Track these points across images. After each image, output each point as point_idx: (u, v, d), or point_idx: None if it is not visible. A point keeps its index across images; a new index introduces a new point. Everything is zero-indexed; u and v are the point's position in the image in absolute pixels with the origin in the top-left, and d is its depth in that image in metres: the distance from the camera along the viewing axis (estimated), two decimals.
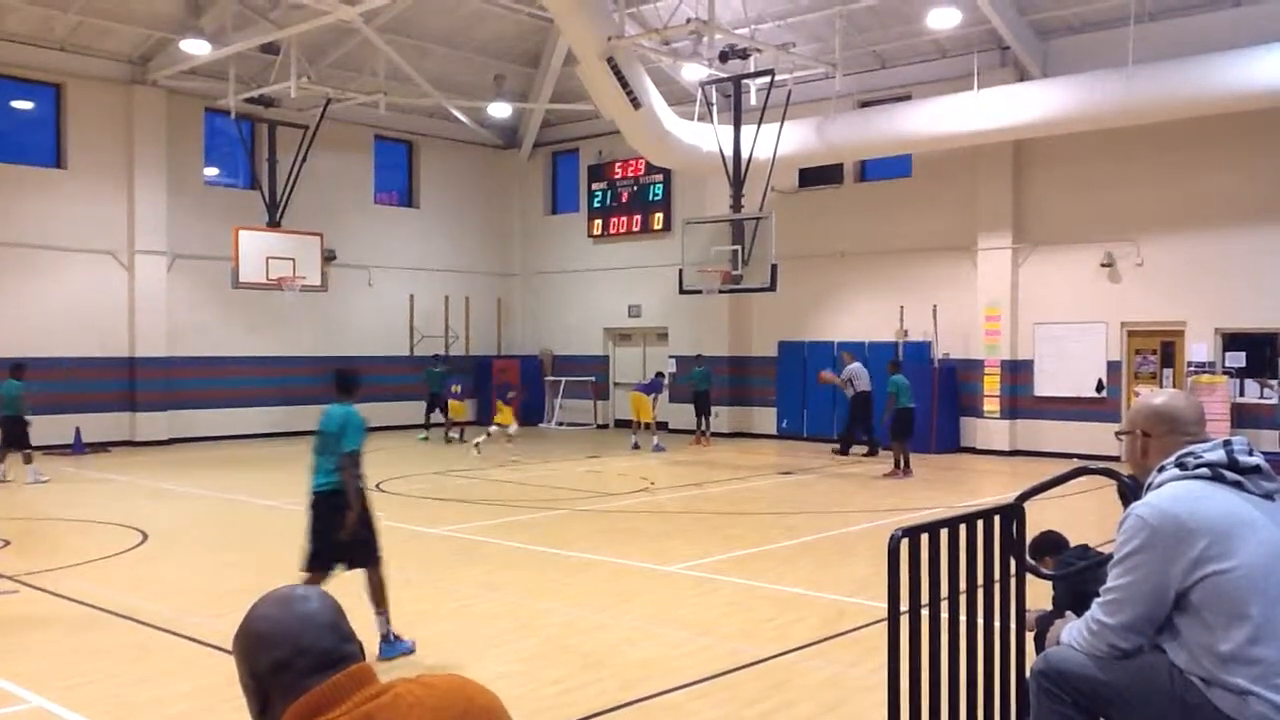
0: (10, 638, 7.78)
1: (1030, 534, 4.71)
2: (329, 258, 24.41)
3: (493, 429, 20.53)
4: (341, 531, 7.27)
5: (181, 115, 23.48)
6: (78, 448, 20.83)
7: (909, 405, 17.72)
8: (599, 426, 27.50)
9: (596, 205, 27.89)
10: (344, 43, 22.96)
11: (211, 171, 24.84)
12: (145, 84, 22.75)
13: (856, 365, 20.72)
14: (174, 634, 7.83)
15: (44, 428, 19.51)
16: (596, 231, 27.89)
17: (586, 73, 18.93)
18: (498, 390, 22.87)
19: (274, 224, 23.04)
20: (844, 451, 20.77)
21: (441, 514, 13.75)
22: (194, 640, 7.64)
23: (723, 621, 8.29)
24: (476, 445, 20.25)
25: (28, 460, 16.66)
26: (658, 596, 9.16)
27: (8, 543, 11.50)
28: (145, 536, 11.96)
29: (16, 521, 12.91)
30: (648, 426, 22.61)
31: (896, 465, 17.65)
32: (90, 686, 6.59)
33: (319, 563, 7.38)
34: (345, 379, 7.65)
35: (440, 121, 27.11)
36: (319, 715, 1.86)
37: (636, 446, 21.99)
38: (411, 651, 7.20)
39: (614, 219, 27.52)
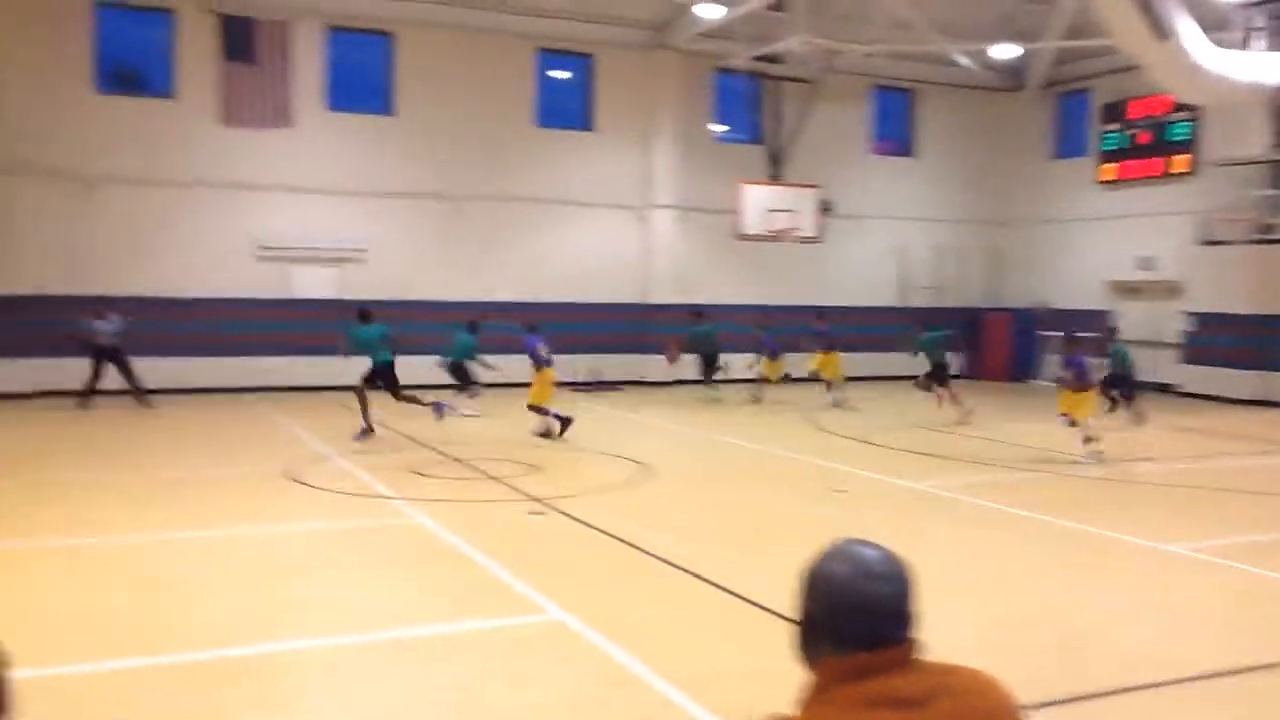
0: (536, 555, 8.94)
1: None
2: (826, 209, 24.92)
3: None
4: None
5: (694, 76, 24.99)
6: (593, 385, 23.06)
7: None
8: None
9: (1109, 148, 25.96)
10: None
11: (720, 128, 26.21)
12: (664, 49, 24.44)
13: None
14: (669, 563, 8.56)
15: (561, 366, 22.00)
16: (1107, 176, 25.99)
17: (1104, 2, 17.59)
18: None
19: (775, 177, 23.95)
20: None
21: (916, 467, 13.68)
22: (685, 570, 8.30)
23: (1232, 614, 7.60)
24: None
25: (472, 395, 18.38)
26: (1151, 577, 8.57)
27: (538, 469, 13.14)
28: (651, 470, 13.11)
29: (543, 451, 14.68)
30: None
31: None
32: (599, 605, 7.42)
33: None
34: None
35: (940, 67, 26.50)
36: (847, 682, 1.98)
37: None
38: None
39: (1128, 163, 25.48)
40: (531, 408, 15.65)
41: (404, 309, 21.11)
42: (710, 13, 21.89)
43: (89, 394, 18.18)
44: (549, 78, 24.57)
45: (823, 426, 17.83)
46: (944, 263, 27.91)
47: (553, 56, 24.37)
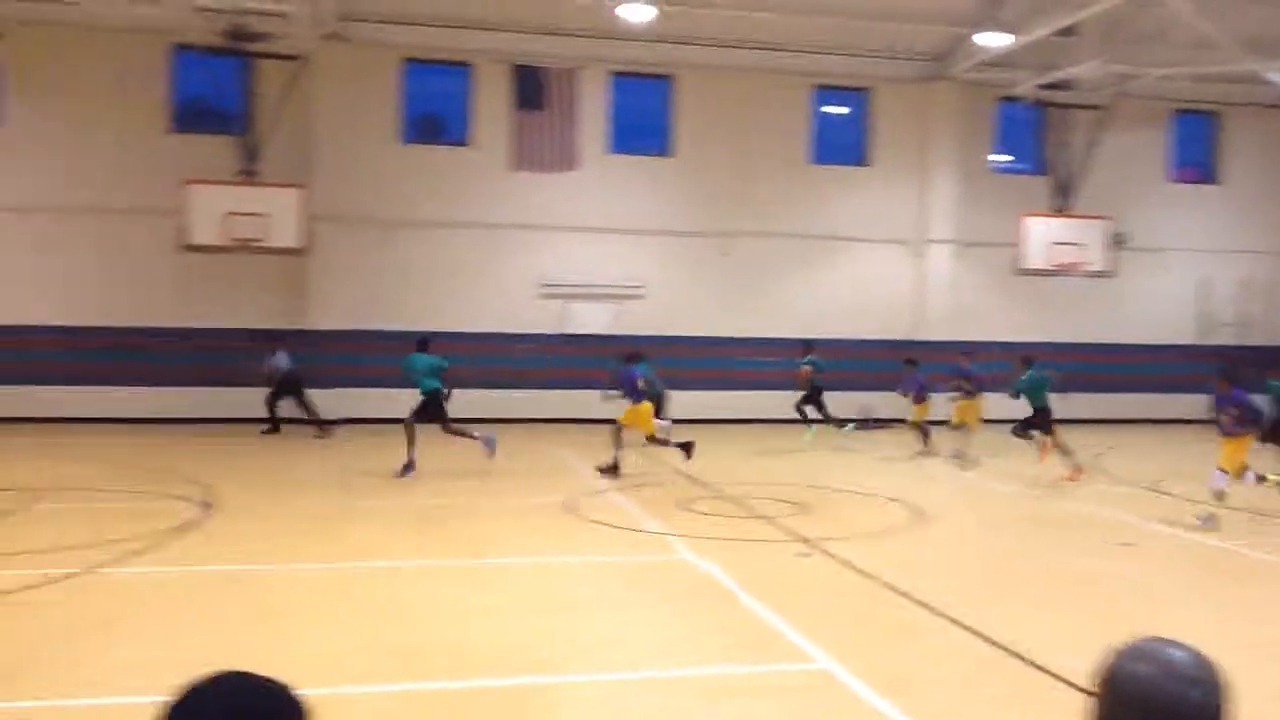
0: (805, 599, 8.86)
1: None
2: (1119, 241, 23.62)
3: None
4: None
5: (974, 106, 24.31)
6: (864, 424, 22.63)
7: None
8: None
9: None
10: (1143, 15, 21.86)
11: (1001, 159, 25.35)
12: (942, 80, 23.92)
13: None
14: (943, 615, 8.28)
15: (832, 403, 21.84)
16: None
17: None
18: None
19: (1061, 209, 22.91)
20: None
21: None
22: (963, 625, 7.99)
23: None
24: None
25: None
26: None
27: (807, 509, 13.05)
28: (923, 513, 12.75)
29: (809, 489, 14.56)
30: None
31: None
32: (868, 655, 7.26)
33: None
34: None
35: (1249, 86, 24.52)
36: None
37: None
38: None
39: None
40: (651, 439, 15.66)
41: (676, 345, 21.55)
42: (994, 41, 21.26)
43: (322, 424, 19.56)
44: (824, 114, 24.53)
45: (1104, 471, 16.82)
46: (1252, 297, 25.74)
47: (828, 93, 24.35)
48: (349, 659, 6.93)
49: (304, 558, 10.06)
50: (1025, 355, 17.19)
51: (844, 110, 24.78)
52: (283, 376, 19.70)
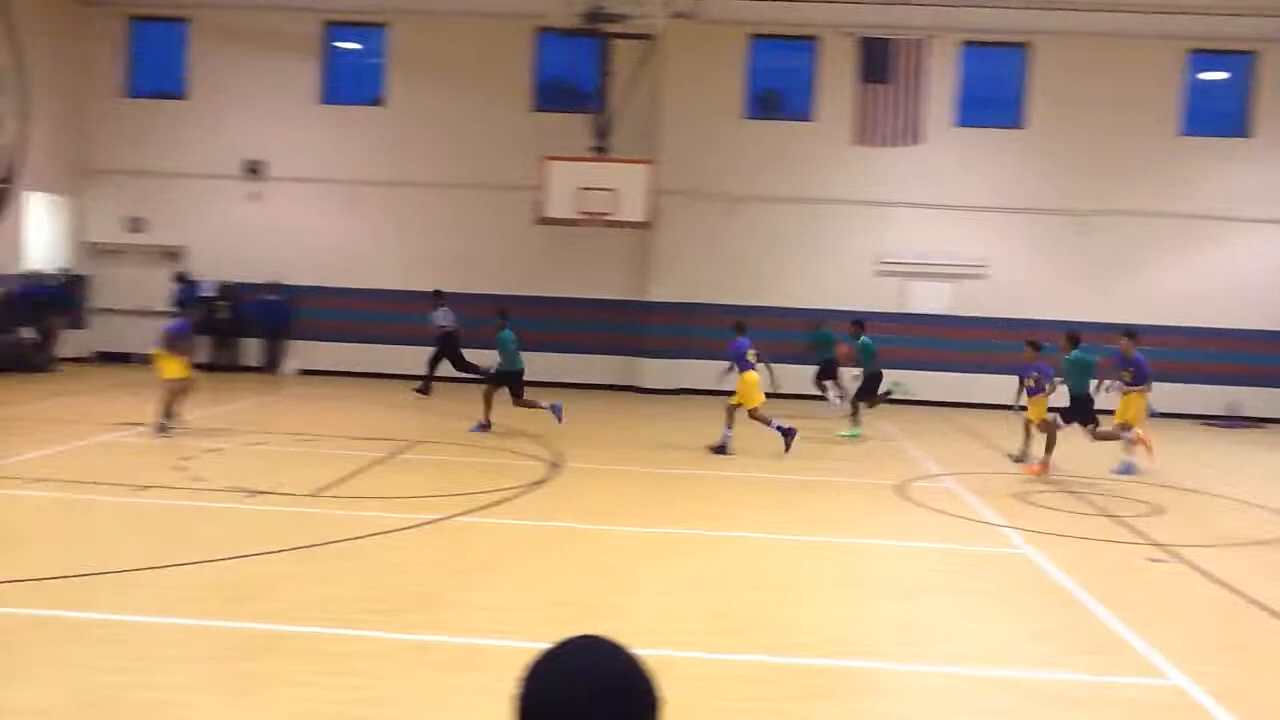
0: (1157, 608, 8.28)
1: None
2: None
3: None
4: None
5: None
6: (1229, 421, 20.78)
7: None
8: None
9: None
10: None
11: None
12: None
13: None
14: None
15: (1188, 397, 20.25)
16: None
17: None
18: None
19: None
20: None
21: None
22: None
23: None
24: None
25: None
26: None
27: (1161, 510, 12.14)
28: None
29: (1164, 488, 13.52)
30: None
31: None
32: (1228, 677, 6.70)
33: None
34: None
35: None
36: None
37: None
38: None
39: None
40: (754, 416, 14.75)
41: (1020, 327, 20.55)
42: None
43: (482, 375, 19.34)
44: (1198, 81, 22.50)
45: None
46: None
47: (1204, 57, 22.30)
48: (681, 623, 7.21)
49: (644, 521, 10.50)
50: (1071, 333, 14.66)
51: (1222, 76, 22.62)
52: (443, 334, 19.86)
